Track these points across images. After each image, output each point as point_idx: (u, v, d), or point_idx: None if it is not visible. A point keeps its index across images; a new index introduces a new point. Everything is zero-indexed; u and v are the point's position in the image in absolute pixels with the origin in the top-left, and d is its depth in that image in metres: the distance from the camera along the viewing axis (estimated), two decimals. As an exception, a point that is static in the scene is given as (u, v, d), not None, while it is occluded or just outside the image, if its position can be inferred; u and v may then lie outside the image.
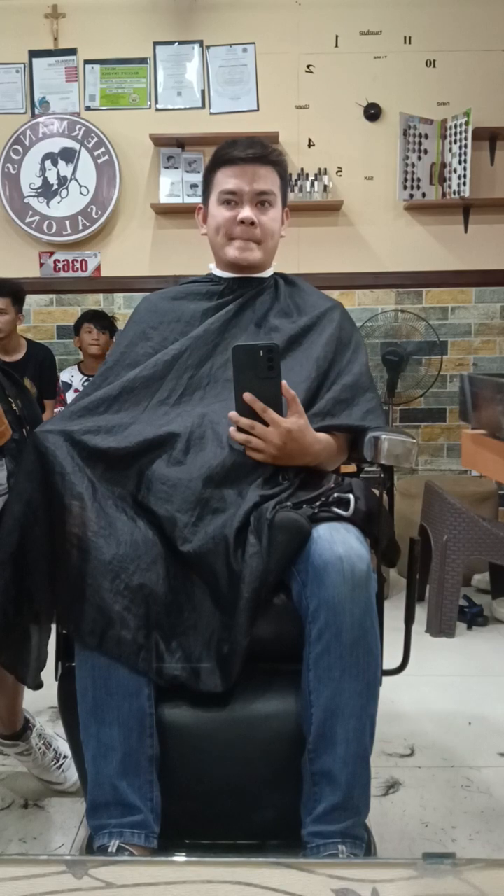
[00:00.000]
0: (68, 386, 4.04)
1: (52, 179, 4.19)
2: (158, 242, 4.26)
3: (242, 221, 1.74)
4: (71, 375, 4.07)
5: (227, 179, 1.75)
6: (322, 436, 1.60)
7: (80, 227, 4.20)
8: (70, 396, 3.97)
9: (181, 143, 4.15)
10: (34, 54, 4.17)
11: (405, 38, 4.11)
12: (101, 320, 3.98)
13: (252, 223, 1.74)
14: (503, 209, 4.16)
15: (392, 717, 2.30)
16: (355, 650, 1.35)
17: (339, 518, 1.48)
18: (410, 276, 4.25)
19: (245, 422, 1.51)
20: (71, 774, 1.92)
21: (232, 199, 1.75)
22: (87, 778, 1.39)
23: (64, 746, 1.95)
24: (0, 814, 1.87)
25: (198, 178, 4.12)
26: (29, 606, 1.46)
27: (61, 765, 1.93)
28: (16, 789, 1.95)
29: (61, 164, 4.18)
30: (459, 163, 3.99)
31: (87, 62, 4.18)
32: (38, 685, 1.54)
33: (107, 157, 4.16)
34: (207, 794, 1.42)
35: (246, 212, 1.74)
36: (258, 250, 1.78)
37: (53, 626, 1.54)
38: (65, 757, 1.94)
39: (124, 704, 1.36)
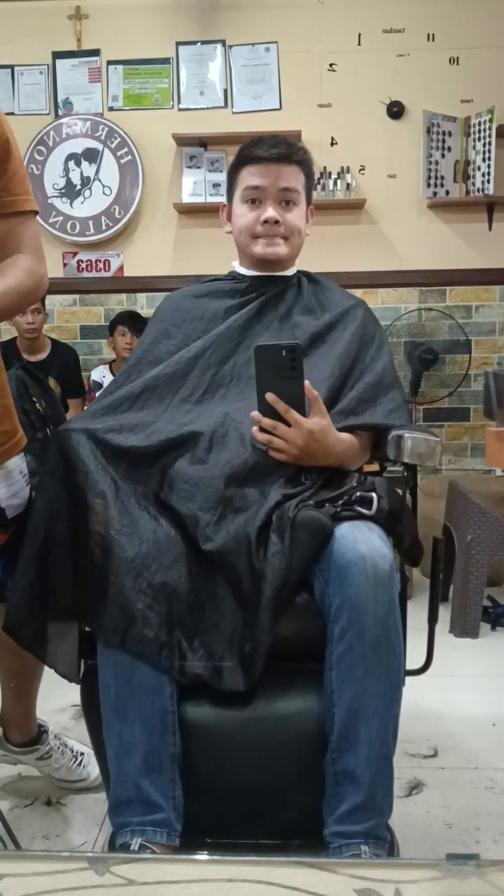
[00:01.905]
0: (99, 385, 4.03)
1: (76, 180, 4.21)
2: (181, 242, 4.27)
3: (266, 221, 1.73)
4: (102, 375, 4.07)
5: (250, 177, 1.74)
6: (345, 436, 1.60)
7: (104, 228, 4.21)
8: (101, 396, 3.96)
9: (204, 142, 4.15)
10: (57, 55, 4.20)
11: (428, 35, 4.09)
12: (136, 323, 3.93)
13: (276, 222, 1.74)
14: (528, 207, 4.13)
15: (415, 717, 2.29)
16: (378, 649, 1.34)
17: (361, 517, 1.47)
18: (434, 275, 4.22)
19: (267, 422, 1.51)
20: (93, 769, 1.93)
21: (256, 197, 1.74)
22: (110, 776, 1.39)
23: (78, 744, 1.96)
24: (23, 811, 1.88)
25: (220, 177, 4.12)
26: (62, 601, 1.46)
27: (81, 761, 1.94)
28: (39, 787, 1.96)
29: (84, 164, 4.19)
30: (483, 160, 3.97)
31: (109, 63, 4.20)
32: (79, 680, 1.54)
33: (129, 157, 4.18)
34: (229, 792, 1.42)
35: (269, 212, 1.73)
36: (284, 245, 1.77)
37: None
38: (82, 753, 1.95)
39: (146, 702, 1.36)
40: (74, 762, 1.93)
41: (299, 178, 1.76)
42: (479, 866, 0.77)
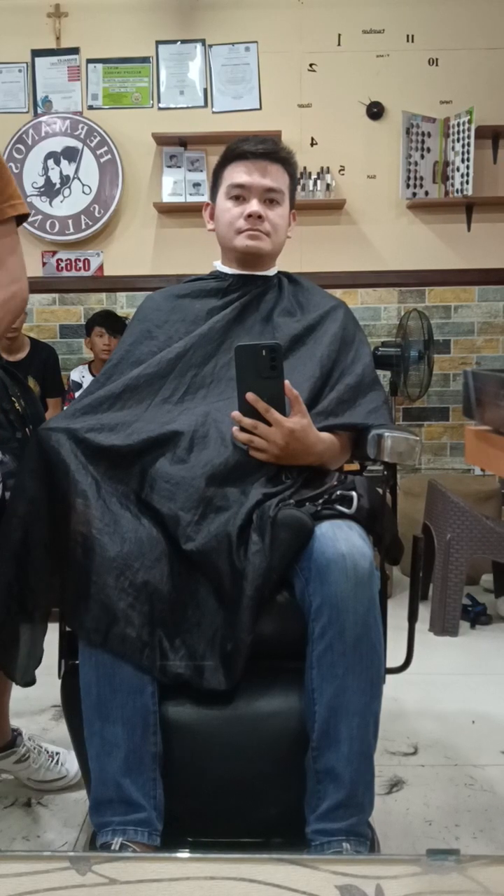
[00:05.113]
0: (78, 385, 4.01)
1: (55, 179, 4.19)
2: (161, 241, 4.26)
3: (250, 215, 1.74)
4: (81, 375, 4.05)
5: (236, 174, 1.76)
6: (325, 435, 1.60)
7: (83, 227, 4.20)
8: (80, 397, 3.94)
9: (184, 142, 4.14)
10: (37, 53, 4.17)
11: (408, 36, 4.10)
12: (114, 323, 3.92)
13: (259, 217, 1.75)
14: (506, 207, 4.16)
15: (395, 715, 2.30)
16: (358, 647, 1.35)
17: (342, 515, 1.48)
18: (413, 275, 4.24)
19: (248, 422, 1.51)
20: (71, 766, 1.92)
21: (240, 194, 1.76)
22: (91, 775, 1.39)
23: (51, 745, 1.96)
24: (3, 812, 1.87)
25: (200, 177, 4.12)
26: (31, 603, 1.46)
27: (57, 760, 1.93)
28: (19, 788, 1.95)
29: (64, 163, 4.17)
30: (462, 161, 3.99)
31: (89, 61, 4.18)
32: (27, 683, 1.54)
33: (109, 156, 4.16)
34: (211, 791, 1.42)
35: (253, 206, 1.74)
36: (266, 241, 1.78)
37: (54, 624, 1.54)
38: (57, 753, 1.94)
39: (128, 702, 1.36)
40: (52, 761, 1.93)
41: (283, 178, 1.78)
42: (459, 861, 0.78)
